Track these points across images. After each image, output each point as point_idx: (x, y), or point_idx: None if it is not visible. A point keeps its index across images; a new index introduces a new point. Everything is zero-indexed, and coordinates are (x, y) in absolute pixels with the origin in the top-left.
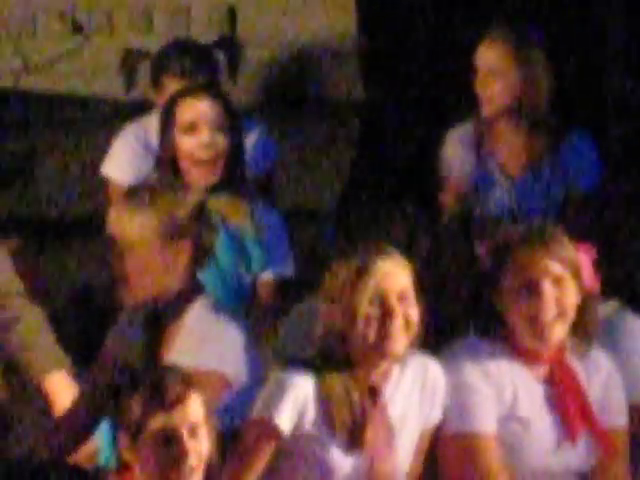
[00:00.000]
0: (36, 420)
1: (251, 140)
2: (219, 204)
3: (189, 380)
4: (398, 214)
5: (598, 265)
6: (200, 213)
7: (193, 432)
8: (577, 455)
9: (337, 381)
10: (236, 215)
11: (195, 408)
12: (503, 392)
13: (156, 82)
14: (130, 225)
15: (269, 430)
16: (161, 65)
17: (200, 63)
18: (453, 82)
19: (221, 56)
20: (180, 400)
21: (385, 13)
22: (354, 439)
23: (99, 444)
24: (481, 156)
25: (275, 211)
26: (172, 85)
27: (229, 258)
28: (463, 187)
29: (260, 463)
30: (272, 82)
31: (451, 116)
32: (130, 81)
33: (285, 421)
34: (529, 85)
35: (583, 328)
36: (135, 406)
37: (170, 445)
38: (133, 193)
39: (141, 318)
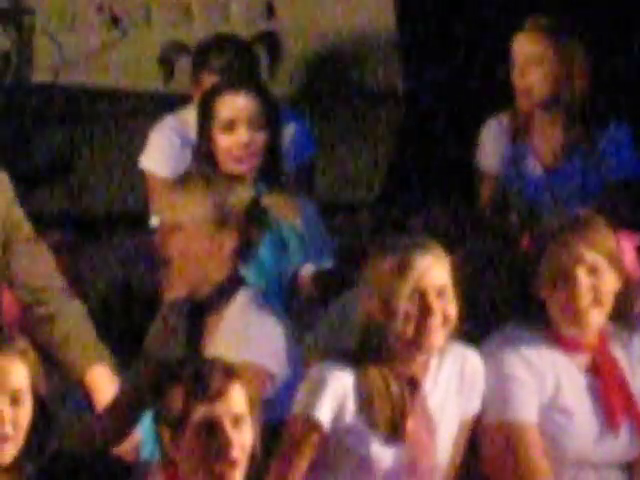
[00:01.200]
0: (78, 416)
1: (290, 132)
2: (272, 200)
3: (231, 371)
4: (437, 206)
5: None
6: (252, 207)
7: (236, 423)
8: (620, 445)
9: (376, 374)
10: (287, 213)
11: (238, 399)
12: (545, 381)
13: (196, 77)
14: (181, 208)
15: (311, 425)
16: (201, 60)
17: (240, 59)
18: (491, 73)
19: (261, 51)
20: (222, 391)
21: (424, 3)
22: (394, 431)
23: (142, 438)
24: (517, 147)
25: (313, 204)
26: (211, 80)
27: (269, 251)
28: (500, 178)
29: (305, 459)
30: (311, 74)
31: (489, 107)
32: (169, 74)
33: (326, 416)
34: (567, 76)
35: (624, 315)
36: (177, 398)
37: (213, 436)
38: (184, 181)
39: (183, 311)
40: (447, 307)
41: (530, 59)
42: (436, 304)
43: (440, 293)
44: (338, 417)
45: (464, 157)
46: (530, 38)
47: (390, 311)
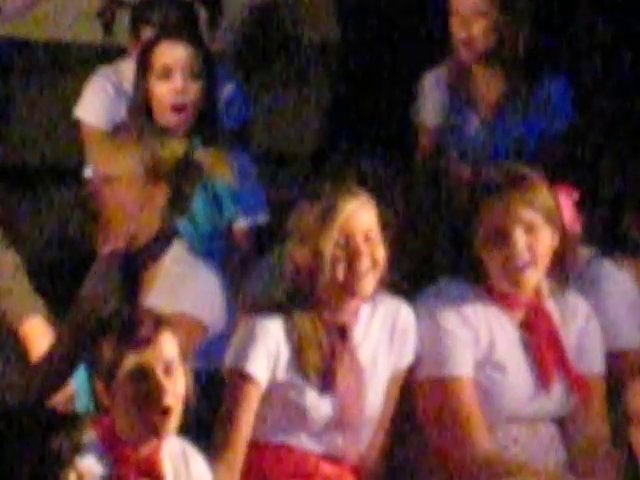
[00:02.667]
0: (13, 365)
1: (227, 90)
2: (205, 155)
3: (161, 320)
4: (373, 158)
5: (579, 207)
6: (184, 160)
7: (168, 370)
8: (553, 401)
9: (306, 322)
10: (220, 168)
11: (168, 346)
12: (479, 336)
13: (134, 31)
14: (114, 160)
15: (245, 378)
16: (140, 14)
17: (181, 17)
18: (430, 24)
19: (200, 8)
20: (152, 339)
21: None
22: (325, 380)
23: (76, 389)
24: (455, 99)
25: (248, 158)
26: (149, 34)
27: (203, 205)
28: (437, 130)
29: (246, 412)
30: (248, 26)
31: (427, 58)
32: (108, 28)
33: (259, 368)
34: (509, 27)
35: (561, 271)
36: (107, 348)
37: (145, 384)
38: (119, 133)
39: (117, 263)
40: (375, 251)
41: (474, 10)
42: (363, 247)
43: (367, 237)
44: (274, 369)
45: (402, 110)
46: None
47: (318, 257)
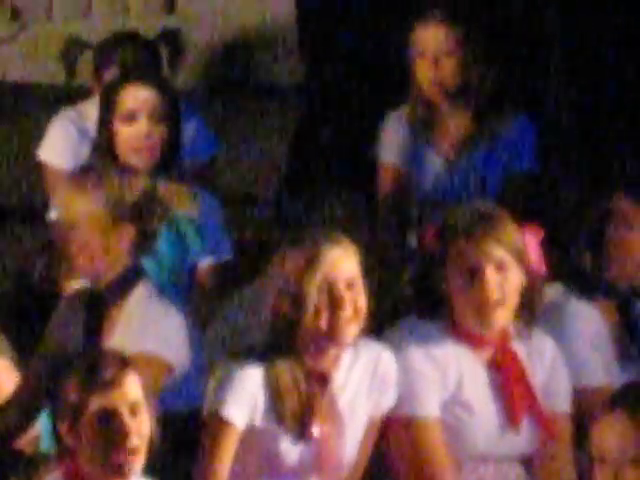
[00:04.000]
0: None
1: (192, 127)
2: (169, 192)
3: (125, 360)
4: (337, 200)
5: (545, 247)
6: (148, 199)
7: (133, 411)
8: (520, 440)
9: (285, 369)
10: (183, 204)
11: (133, 388)
12: (447, 375)
13: (98, 72)
14: (77, 204)
15: (224, 424)
16: (103, 56)
17: (143, 56)
18: (392, 66)
19: (162, 48)
20: (117, 380)
21: None
22: (302, 428)
23: (41, 431)
24: (418, 139)
25: (213, 197)
26: (112, 75)
27: (168, 243)
28: (400, 172)
29: (223, 457)
30: (213, 67)
31: (390, 100)
32: (71, 70)
33: (238, 414)
34: (475, 66)
35: (528, 311)
36: (72, 390)
37: (110, 425)
38: (81, 174)
39: (82, 303)
40: (357, 298)
41: (442, 50)
42: (346, 296)
43: (349, 285)
44: (251, 414)
45: (366, 151)
46: (439, 29)
47: (300, 304)
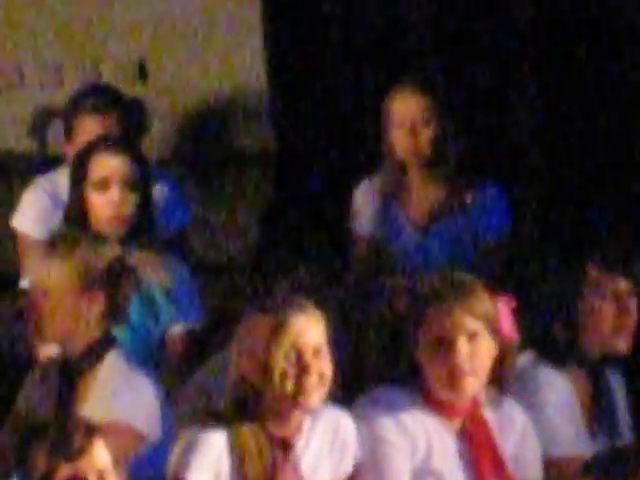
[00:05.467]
0: None
1: (163, 194)
2: (140, 260)
3: (93, 429)
4: (309, 267)
5: (517, 316)
6: (119, 267)
7: (101, 479)
8: None
9: (248, 434)
10: (155, 273)
11: (101, 455)
12: (417, 444)
13: (69, 123)
14: (49, 271)
15: None
16: (75, 104)
17: (113, 101)
18: (365, 133)
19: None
20: (85, 448)
21: (295, 65)
22: None
23: None
24: (390, 207)
25: (184, 264)
26: (85, 123)
27: (138, 312)
28: (372, 240)
29: None
30: (184, 134)
31: (365, 169)
32: (42, 138)
33: (200, 479)
34: (446, 136)
35: (499, 379)
36: (40, 459)
37: None
38: (53, 242)
39: (53, 373)
40: (323, 366)
41: (420, 119)
42: (313, 363)
43: (316, 352)
44: (214, 479)
45: (338, 218)
46: (417, 98)
47: (267, 370)
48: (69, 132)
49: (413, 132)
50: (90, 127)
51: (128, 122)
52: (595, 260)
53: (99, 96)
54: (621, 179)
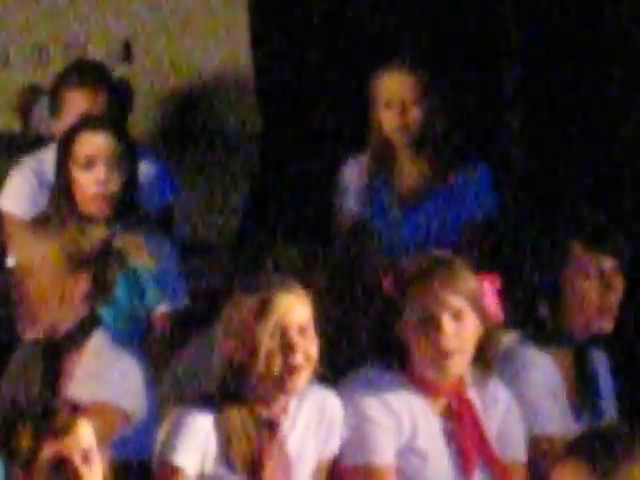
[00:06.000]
0: None
1: (150, 172)
2: (126, 242)
3: (76, 408)
4: (292, 246)
5: (502, 295)
6: (106, 249)
7: (86, 458)
8: None
9: (235, 415)
10: (141, 257)
11: (85, 435)
12: (402, 424)
13: (56, 99)
14: (35, 251)
15: (173, 471)
16: (61, 79)
17: (100, 76)
18: (351, 113)
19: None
20: (69, 427)
21: (281, 45)
22: (254, 474)
23: None
24: (376, 186)
25: (169, 244)
26: (72, 98)
27: (124, 292)
28: (359, 218)
29: None
30: (170, 115)
31: (350, 147)
32: (27, 118)
33: (189, 461)
34: (434, 114)
35: (484, 359)
36: (24, 438)
37: (63, 473)
38: (40, 222)
39: (38, 352)
40: (309, 345)
41: (409, 98)
42: (299, 342)
43: (301, 331)
44: (201, 460)
45: (322, 198)
46: (406, 77)
47: (253, 350)
48: (56, 108)
49: (401, 111)
50: (77, 102)
51: (115, 100)
52: (579, 239)
53: (86, 71)
54: (602, 159)
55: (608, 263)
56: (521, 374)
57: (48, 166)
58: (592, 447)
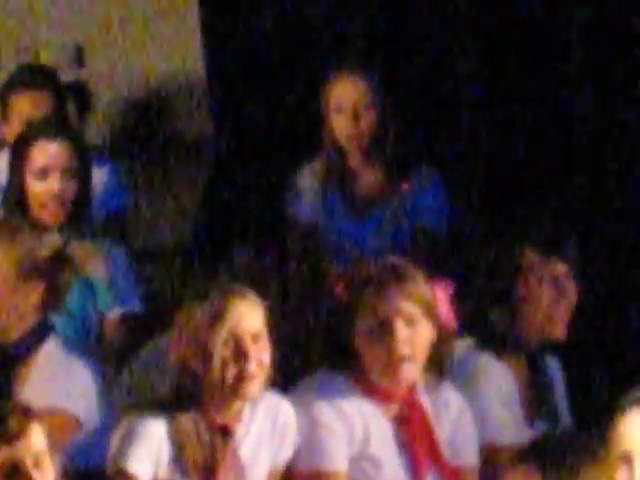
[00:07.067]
0: None
1: (102, 178)
2: (78, 249)
3: (28, 412)
4: (245, 253)
5: (455, 301)
6: (58, 257)
7: (37, 462)
8: None
9: (189, 422)
10: (95, 261)
11: (37, 438)
12: (354, 430)
13: (4, 103)
14: None
15: (127, 478)
16: (9, 82)
17: (46, 78)
18: (305, 118)
19: (70, 101)
20: (21, 432)
21: (233, 49)
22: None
23: None
24: (329, 193)
25: (122, 249)
26: (18, 102)
27: (76, 298)
28: (311, 226)
29: None
30: (122, 120)
31: (302, 153)
32: None
33: (142, 468)
34: (387, 120)
35: (436, 365)
36: None
37: (15, 476)
38: None
39: None
40: (262, 353)
41: (361, 104)
42: (252, 349)
43: (255, 338)
44: (155, 467)
45: (276, 204)
46: (357, 82)
47: (206, 357)
48: (4, 112)
49: (354, 117)
50: (24, 105)
51: (62, 104)
52: (532, 245)
53: (32, 75)
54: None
55: (560, 268)
56: (474, 381)
57: (2, 170)
58: (543, 454)
